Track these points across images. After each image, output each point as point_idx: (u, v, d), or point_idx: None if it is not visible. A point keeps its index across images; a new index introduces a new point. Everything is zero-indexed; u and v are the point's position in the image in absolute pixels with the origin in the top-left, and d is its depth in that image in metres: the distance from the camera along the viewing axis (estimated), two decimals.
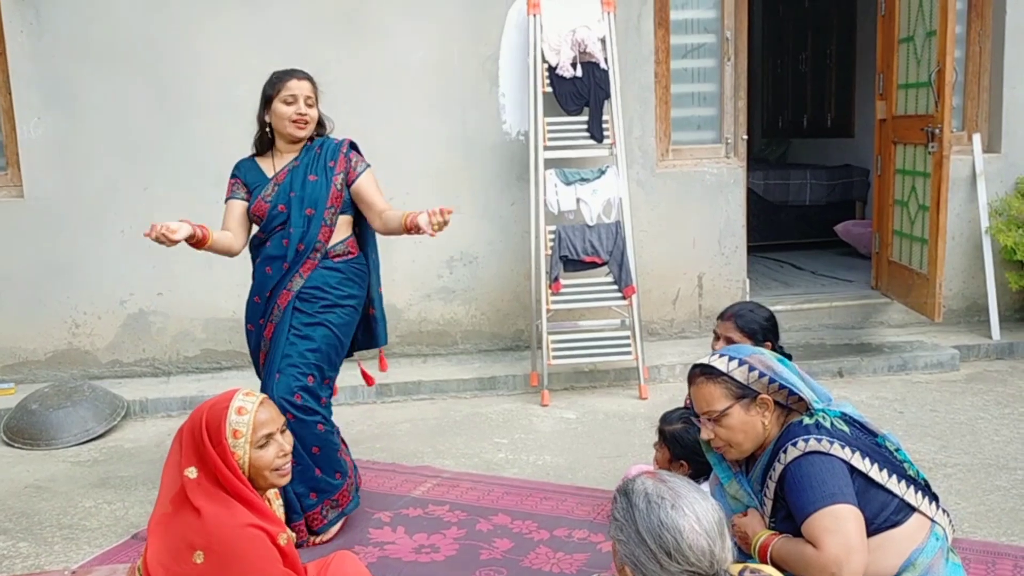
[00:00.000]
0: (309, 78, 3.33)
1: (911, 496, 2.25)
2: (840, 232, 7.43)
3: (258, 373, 3.40)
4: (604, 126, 4.97)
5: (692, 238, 5.55)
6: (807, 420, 2.27)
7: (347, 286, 3.32)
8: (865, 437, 2.29)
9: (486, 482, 3.74)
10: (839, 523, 2.10)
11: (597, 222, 4.89)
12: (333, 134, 3.45)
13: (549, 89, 4.94)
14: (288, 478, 2.28)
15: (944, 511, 2.33)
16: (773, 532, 2.27)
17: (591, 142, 4.98)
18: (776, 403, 2.32)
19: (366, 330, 3.58)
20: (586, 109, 4.97)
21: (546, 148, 4.94)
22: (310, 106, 3.30)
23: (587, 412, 4.65)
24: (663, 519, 1.66)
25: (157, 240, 3.08)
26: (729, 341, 3.12)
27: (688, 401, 3.44)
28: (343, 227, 3.36)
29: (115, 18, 5.07)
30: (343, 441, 3.44)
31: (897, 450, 2.34)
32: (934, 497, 2.32)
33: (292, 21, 5.14)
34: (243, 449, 2.16)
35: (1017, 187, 5.64)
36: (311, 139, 3.38)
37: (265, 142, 3.38)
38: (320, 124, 3.39)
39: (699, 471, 2.94)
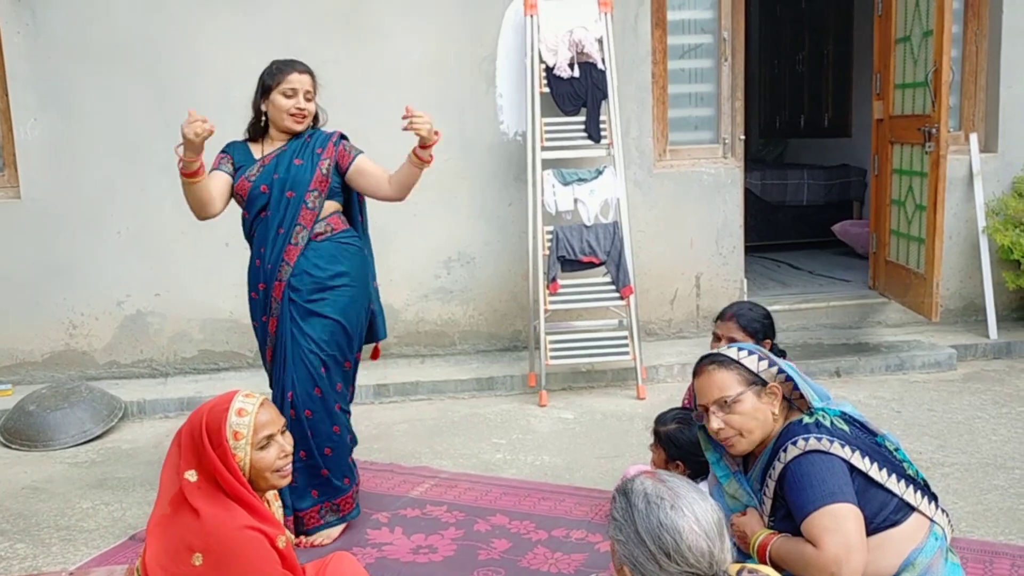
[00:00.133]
0: (310, 71, 3.30)
1: (910, 496, 2.25)
2: (837, 232, 7.44)
3: (266, 367, 3.37)
4: (601, 126, 4.97)
5: (690, 238, 5.55)
6: (807, 419, 2.27)
7: (335, 264, 3.23)
8: (865, 436, 2.30)
9: (484, 482, 3.74)
10: (839, 522, 2.10)
11: (595, 222, 4.89)
12: (326, 127, 3.44)
13: (546, 89, 4.95)
14: (289, 479, 2.28)
15: (943, 511, 2.34)
16: (772, 531, 2.27)
17: (588, 142, 4.98)
18: (782, 397, 2.33)
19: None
20: (583, 109, 4.97)
21: (543, 148, 4.94)
22: (309, 100, 3.28)
23: (585, 412, 4.65)
24: (662, 519, 1.66)
25: (191, 129, 3.00)
26: (731, 341, 3.12)
27: (686, 401, 3.46)
28: (327, 209, 3.29)
29: (112, 19, 5.07)
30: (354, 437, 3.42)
31: (896, 449, 2.35)
32: (933, 497, 2.32)
33: (290, 22, 5.14)
34: (244, 451, 2.15)
35: (1014, 186, 5.65)
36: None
37: (258, 129, 3.35)
38: (315, 117, 3.38)
39: (696, 472, 2.94)
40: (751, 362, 2.34)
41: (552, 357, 4.85)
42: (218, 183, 3.25)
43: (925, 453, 3.85)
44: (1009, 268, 5.53)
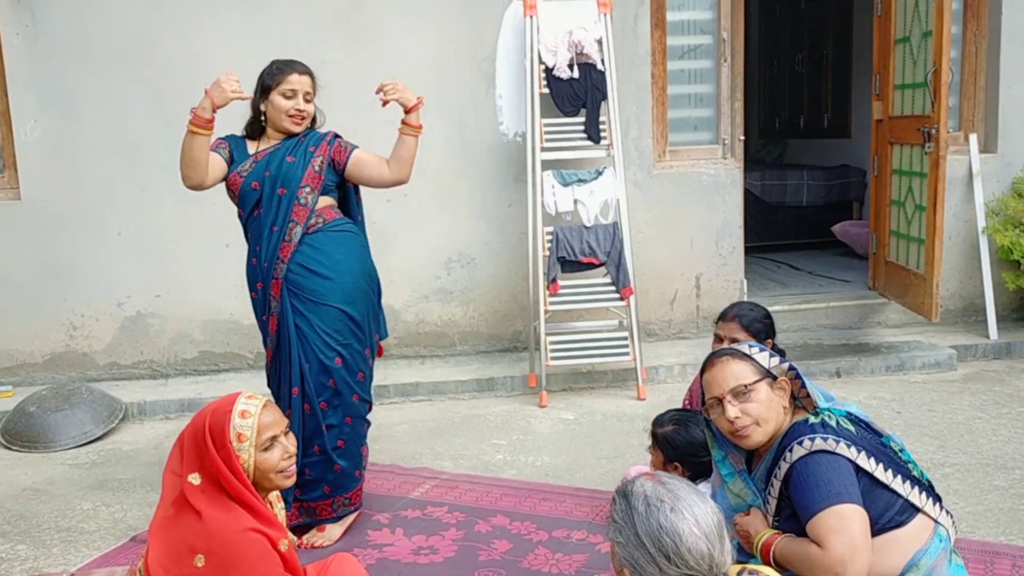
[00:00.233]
0: (309, 72, 3.30)
1: (915, 497, 2.24)
2: (837, 232, 7.44)
3: (266, 367, 3.37)
4: (601, 127, 4.97)
5: (689, 239, 5.56)
6: (813, 419, 2.27)
7: (331, 253, 3.22)
8: (871, 437, 2.29)
9: (484, 483, 3.74)
10: (844, 523, 2.09)
11: (594, 223, 4.90)
12: (324, 128, 3.44)
13: (546, 90, 4.95)
14: (293, 479, 2.28)
15: (947, 512, 2.33)
16: (775, 531, 2.27)
17: (588, 143, 4.98)
18: (790, 394, 2.33)
19: None
20: (583, 110, 4.97)
21: (543, 149, 4.94)
22: (308, 101, 3.28)
23: (585, 413, 4.65)
24: (662, 522, 1.66)
25: (228, 86, 3.10)
26: (733, 342, 3.13)
27: (686, 402, 3.46)
28: (320, 204, 3.27)
29: (112, 19, 5.07)
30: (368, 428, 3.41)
31: (901, 450, 2.34)
32: (938, 498, 2.32)
33: (290, 22, 5.14)
34: (248, 452, 2.16)
35: (1014, 187, 5.66)
36: None
37: (256, 128, 3.35)
38: (313, 119, 3.38)
39: (695, 473, 2.94)
40: (762, 358, 2.36)
41: (552, 358, 4.85)
42: (213, 162, 3.24)
43: (925, 454, 3.85)
44: (1009, 268, 5.53)
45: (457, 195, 5.37)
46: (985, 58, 5.71)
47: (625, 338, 4.94)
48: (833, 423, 2.25)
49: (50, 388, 4.83)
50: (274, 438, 2.21)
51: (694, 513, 1.67)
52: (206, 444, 2.13)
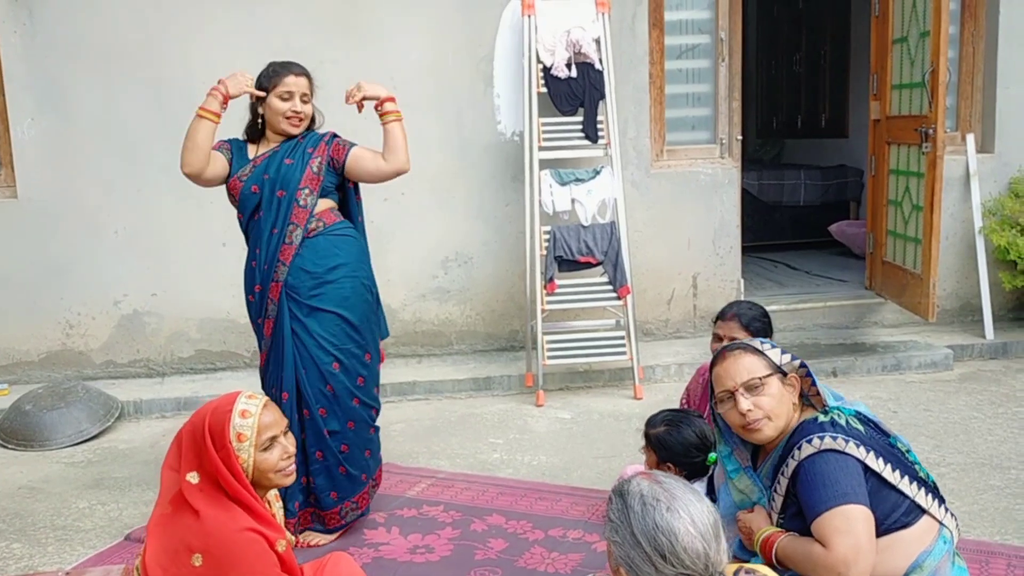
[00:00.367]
0: (306, 73, 3.29)
1: (921, 498, 2.24)
2: (834, 232, 7.45)
3: (260, 371, 3.37)
4: (599, 127, 4.97)
5: (687, 238, 5.56)
6: (822, 418, 2.26)
7: (330, 257, 3.21)
8: (879, 437, 2.28)
9: (481, 482, 3.74)
10: (850, 524, 2.09)
11: (592, 222, 4.90)
12: (322, 128, 3.43)
13: (544, 90, 4.95)
14: (292, 478, 2.28)
15: (951, 514, 2.33)
16: (778, 529, 2.26)
17: (586, 142, 4.98)
18: (799, 392, 2.33)
19: None
20: (581, 110, 4.97)
21: (541, 148, 4.94)
22: (305, 102, 3.27)
23: (582, 412, 4.65)
24: (658, 521, 1.66)
25: (244, 79, 3.21)
26: (732, 341, 3.12)
27: (684, 401, 3.46)
28: (319, 207, 3.26)
29: (109, 19, 5.06)
30: (378, 433, 3.39)
31: (908, 451, 2.33)
32: (942, 500, 2.31)
33: (288, 22, 5.14)
34: (248, 452, 2.15)
35: (1010, 187, 5.66)
36: None
37: (255, 131, 3.34)
38: (312, 119, 3.37)
39: (690, 473, 2.94)
40: (774, 354, 2.36)
41: (549, 357, 4.85)
42: (215, 159, 3.24)
43: (922, 453, 3.85)
44: (1005, 268, 5.54)
45: (455, 194, 5.37)
46: (982, 58, 5.72)
47: (622, 337, 4.95)
48: (843, 422, 2.24)
49: (46, 386, 4.83)
50: (274, 438, 2.21)
51: (690, 512, 1.67)
52: (205, 443, 2.13)
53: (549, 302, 4.87)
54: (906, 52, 5.29)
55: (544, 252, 4.86)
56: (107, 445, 4.46)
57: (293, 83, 3.24)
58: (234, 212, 3.38)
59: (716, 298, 5.49)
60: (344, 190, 3.39)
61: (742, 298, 5.51)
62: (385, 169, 3.29)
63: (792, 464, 2.22)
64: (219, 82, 3.20)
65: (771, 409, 2.28)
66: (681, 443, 2.95)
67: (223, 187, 3.33)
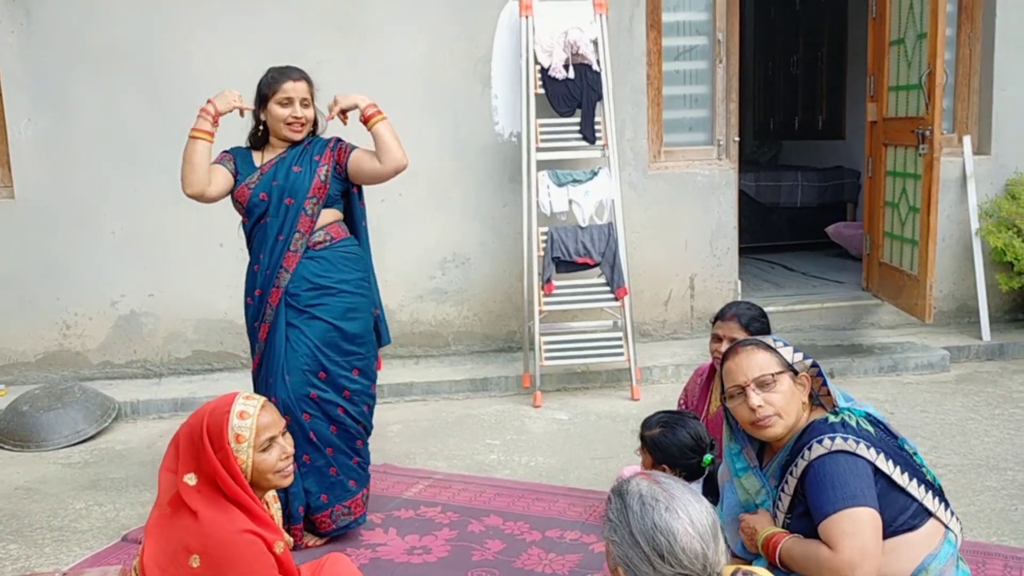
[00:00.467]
0: (305, 77, 3.29)
1: (929, 501, 2.23)
2: (831, 234, 7.46)
3: (252, 373, 3.37)
4: (596, 128, 4.98)
5: (684, 239, 5.56)
6: (832, 418, 2.25)
7: (335, 272, 3.23)
8: (888, 439, 2.28)
9: (478, 483, 3.74)
10: (858, 527, 2.09)
11: (589, 223, 4.90)
12: (325, 133, 3.44)
13: (541, 90, 4.95)
14: (290, 479, 2.27)
15: (956, 517, 2.32)
16: (782, 530, 2.26)
17: (583, 143, 4.99)
18: (809, 391, 2.32)
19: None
20: (578, 111, 4.98)
21: (538, 149, 4.94)
22: (306, 107, 3.27)
23: (579, 413, 4.65)
24: (657, 521, 1.66)
25: (232, 96, 3.23)
26: (733, 341, 3.12)
27: (681, 403, 3.47)
28: (326, 218, 3.28)
29: (107, 19, 5.06)
30: (367, 447, 3.38)
31: (914, 454, 2.33)
32: (947, 503, 2.31)
33: (285, 22, 5.13)
34: (246, 453, 2.15)
35: (1007, 189, 5.67)
36: None
37: (259, 138, 3.35)
38: (315, 123, 3.37)
39: (684, 475, 2.94)
40: (786, 351, 2.35)
41: (547, 358, 4.86)
42: (216, 174, 3.25)
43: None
44: (1002, 270, 5.55)
45: (452, 195, 5.37)
46: (979, 60, 5.73)
47: (619, 338, 4.95)
48: (853, 423, 2.23)
49: (43, 387, 4.82)
50: (272, 439, 2.21)
51: (689, 512, 1.67)
52: (203, 445, 2.12)
53: (546, 303, 4.87)
54: (903, 54, 5.29)
55: (542, 253, 4.86)
56: (104, 446, 4.46)
57: (292, 88, 3.24)
58: (231, 213, 3.38)
59: (713, 299, 5.49)
60: (348, 197, 3.40)
61: (739, 299, 5.52)
62: (382, 170, 3.30)
63: (802, 464, 2.21)
64: (208, 102, 3.21)
65: (781, 407, 2.27)
66: (676, 445, 2.95)
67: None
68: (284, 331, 3.18)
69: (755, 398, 2.28)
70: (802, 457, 2.22)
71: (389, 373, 5.05)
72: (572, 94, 4.96)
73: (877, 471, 2.18)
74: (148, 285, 5.25)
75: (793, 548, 2.19)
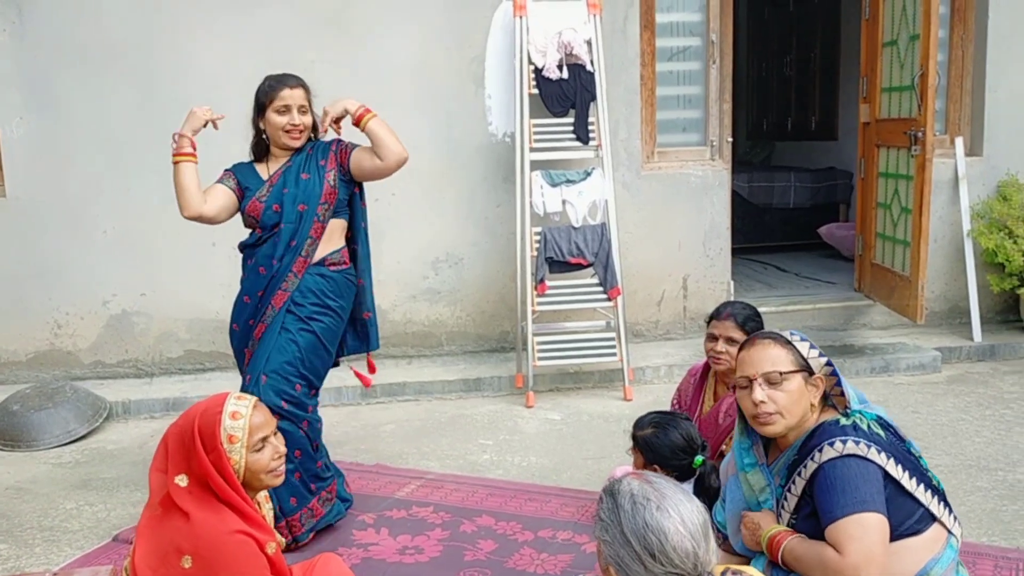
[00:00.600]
0: (302, 84, 3.30)
1: (935, 506, 2.23)
2: (823, 234, 7.47)
3: (242, 372, 3.36)
4: (590, 128, 4.98)
5: (677, 240, 5.57)
6: (844, 421, 2.24)
7: (338, 296, 3.32)
8: (898, 443, 2.27)
9: (470, 483, 3.74)
10: (866, 532, 2.08)
11: (583, 224, 4.90)
12: (327, 136, 3.44)
13: (535, 91, 4.95)
14: (282, 478, 2.28)
15: (958, 522, 2.32)
16: (787, 529, 2.25)
17: (577, 144, 4.99)
18: (822, 392, 2.30)
19: (360, 334, 3.54)
20: (572, 111, 4.98)
21: (532, 150, 4.94)
22: (303, 113, 3.28)
23: (572, 413, 4.65)
24: (648, 520, 1.66)
25: (197, 113, 3.25)
26: (730, 341, 3.14)
27: (675, 403, 3.47)
28: (337, 233, 3.34)
29: (99, 18, 5.04)
30: (325, 451, 3.42)
31: (919, 458, 2.32)
32: (951, 507, 2.31)
33: (277, 22, 5.12)
34: (239, 454, 2.15)
35: (999, 190, 5.69)
36: None
37: (261, 147, 3.37)
38: (314, 127, 3.38)
39: (676, 476, 2.94)
40: (803, 348, 2.32)
41: (539, 358, 4.86)
42: (216, 193, 3.28)
43: None
44: (993, 271, 5.57)
45: (445, 195, 5.37)
46: (971, 62, 5.75)
47: (612, 339, 4.95)
48: (864, 426, 2.22)
49: (34, 386, 4.81)
50: (265, 439, 2.21)
51: (680, 512, 1.67)
52: (195, 446, 2.11)
53: (539, 303, 4.87)
54: (896, 55, 5.31)
55: (535, 253, 4.86)
56: (95, 446, 4.44)
57: (288, 96, 3.25)
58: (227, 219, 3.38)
59: (706, 300, 5.50)
60: (352, 204, 3.42)
61: (733, 299, 5.53)
62: (383, 165, 3.32)
63: (811, 466, 2.20)
64: (181, 128, 3.24)
65: (785, 406, 2.26)
66: (668, 446, 2.95)
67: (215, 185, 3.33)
68: (277, 334, 3.20)
69: (759, 393, 2.27)
70: (812, 459, 2.21)
71: (382, 373, 5.04)
72: (566, 94, 4.96)
73: (887, 476, 2.17)
74: (140, 285, 5.24)
75: (797, 548, 2.18)
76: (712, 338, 3.22)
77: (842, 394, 2.31)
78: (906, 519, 2.20)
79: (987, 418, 4.36)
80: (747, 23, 9.55)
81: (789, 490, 2.28)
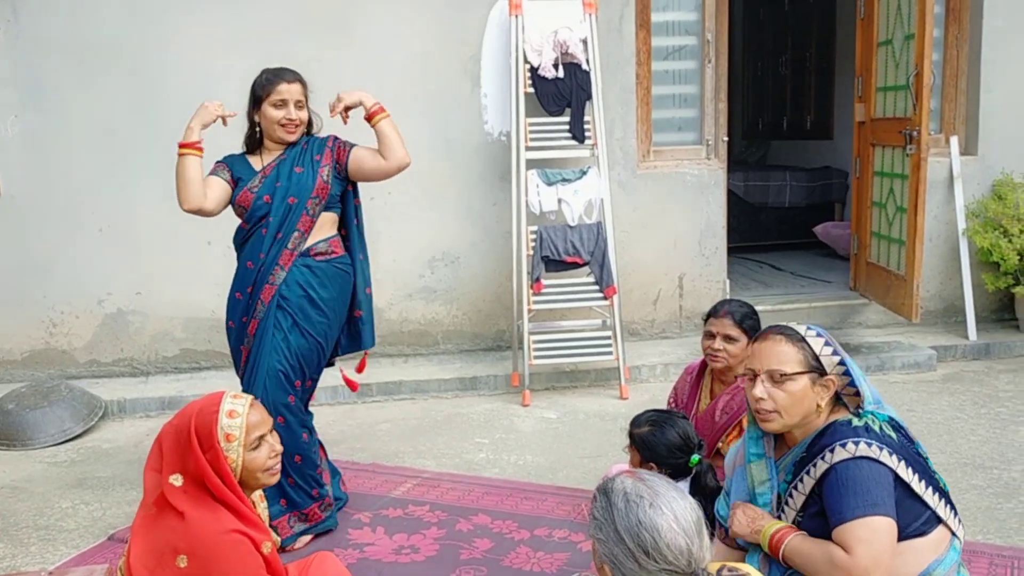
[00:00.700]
0: (300, 79, 3.30)
1: (941, 509, 2.24)
2: (819, 233, 7.48)
3: (238, 371, 3.36)
4: (586, 127, 4.98)
5: (673, 239, 5.57)
6: (856, 421, 2.22)
7: (327, 288, 3.28)
8: (908, 445, 2.27)
9: (466, 482, 3.74)
10: (875, 535, 2.08)
11: (578, 222, 4.90)
12: (322, 132, 3.43)
13: (531, 90, 4.95)
14: (278, 477, 2.27)
15: (961, 523, 2.32)
16: (788, 526, 2.24)
17: (573, 143, 4.99)
18: (834, 392, 2.27)
19: (352, 333, 3.51)
20: (568, 110, 4.98)
21: (528, 148, 4.94)
22: (300, 108, 3.28)
23: (568, 412, 4.66)
24: (641, 518, 1.66)
25: (209, 107, 3.24)
26: (727, 338, 3.15)
27: (671, 402, 3.47)
28: (327, 225, 3.31)
29: (94, 16, 5.03)
30: (324, 453, 3.42)
31: (926, 459, 2.32)
32: (955, 509, 2.31)
33: (272, 20, 5.12)
34: (236, 452, 2.15)
35: (994, 189, 5.70)
36: None
37: (255, 140, 3.35)
38: (309, 123, 3.37)
39: (672, 473, 2.95)
40: (817, 345, 2.27)
41: (535, 357, 4.86)
42: (212, 185, 3.26)
43: None
44: (989, 270, 5.58)
45: (442, 194, 5.36)
46: (966, 61, 5.75)
47: (608, 337, 4.96)
48: (876, 428, 2.21)
49: (29, 385, 4.80)
50: (262, 437, 2.21)
51: (673, 509, 1.67)
52: (191, 445, 2.11)
53: (536, 302, 4.88)
54: (891, 55, 5.32)
55: (531, 252, 4.87)
56: (90, 444, 4.44)
57: (286, 90, 3.24)
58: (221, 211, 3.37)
59: (702, 299, 5.51)
60: (345, 200, 3.41)
61: (729, 298, 5.53)
62: (385, 166, 3.33)
63: (822, 466, 2.19)
64: (190, 120, 3.23)
65: (784, 406, 2.24)
66: (665, 444, 2.95)
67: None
68: (272, 332, 3.19)
69: (759, 389, 2.26)
70: (822, 459, 2.19)
71: (378, 372, 5.05)
72: (561, 93, 4.96)
73: (897, 478, 2.17)
74: (135, 283, 5.23)
75: (802, 546, 2.17)
76: (709, 335, 3.22)
77: (856, 393, 2.28)
78: (913, 521, 2.20)
79: (982, 416, 4.37)
80: (743, 22, 9.56)
81: (796, 487, 2.26)
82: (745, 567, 1.87)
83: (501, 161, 5.32)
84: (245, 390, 3.22)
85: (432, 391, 4.99)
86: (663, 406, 3.45)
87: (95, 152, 5.12)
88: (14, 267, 5.14)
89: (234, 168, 3.31)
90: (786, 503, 2.29)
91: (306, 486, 3.23)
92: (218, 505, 2.11)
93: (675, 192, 5.55)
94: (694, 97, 5.72)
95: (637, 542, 1.65)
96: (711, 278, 5.65)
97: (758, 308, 3.33)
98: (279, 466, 2.26)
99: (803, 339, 2.28)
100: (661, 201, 5.53)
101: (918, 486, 2.21)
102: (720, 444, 3.21)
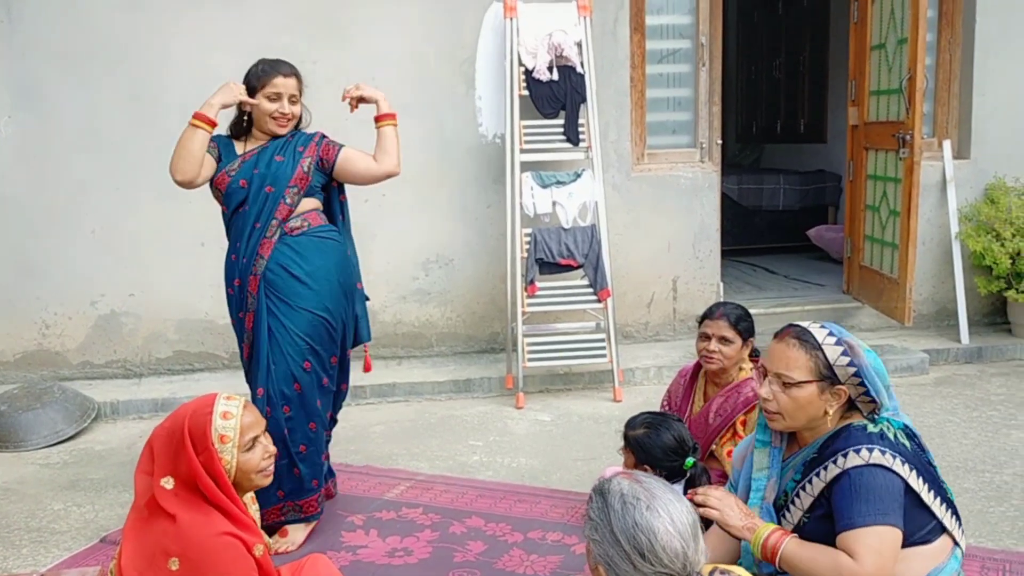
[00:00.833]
0: (296, 73, 3.28)
1: (947, 519, 2.25)
2: (812, 237, 7.50)
3: (244, 365, 3.34)
4: (580, 129, 4.99)
5: (667, 242, 5.58)
6: (871, 428, 2.22)
7: (309, 260, 3.20)
8: (921, 454, 2.27)
9: (460, 484, 3.74)
10: (883, 544, 2.09)
11: (573, 225, 4.91)
12: (310, 128, 3.43)
13: (525, 92, 4.96)
14: (271, 478, 2.27)
15: (963, 532, 2.33)
16: (782, 529, 2.24)
17: (567, 145, 5.00)
18: (846, 400, 2.27)
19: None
20: (562, 112, 4.98)
21: (522, 151, 4.95)
22: (294, 103, 3.26)
23: (562, 415, 4.66)
24: (637, 520, 1.67)
25: (233, 89, 3.20)
26: (723, 340, 3.16)
27: (665, 404, 3.48)
28: (305, 206, 3.26)
29: (88, 17, 5.02)
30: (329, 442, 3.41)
31: (935, 468, 2.33)
32: (959, 519, 2.32)
33: (267, 21, 5.11)
34: (231, 454, 2.14)
35: (986, 193, 5.72)
36: None
37: (241, 128, 3.33)
38: (299, 118, 3.36)
39: (668, 475, 2.95)
40: (833, 354, 2.24)
41: (529, 359, 4.86)
42: (204, 162, 3.22)
43: None
44: (981, 274, 5.60)
45: (436, 196, 5.36)
46: (959, 65, 5.78)
47: (602, 340, 4.96)
48: (891, 436, 2.21)
49: (21, 387, 4.78)
50: (255, 438, 2.21)
51: (669, 512, 1.68)
52: (184, 448, 2.10)
53: (530, 304, 4.88)
54: (884, 58, 5.34)
55: (525, 254, 4.87)
56: (83, 446, 4.42)
57: (282, 84, 3.23)
58: (213, 212, 3.37)
59: (696, 301, 5.52)
60: (328, 190, 3.39)
61: (724, 300, 5.54)
62: (375, 171, 3.31)
63: (834, 469, 2.19)
64: (212, 96, 3.19)
65: (787, 410, 2.25)
66: (660, 446, 2.96)
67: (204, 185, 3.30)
68: (266, 320, 3.16)
69: (765, 389, 2.29)
70: (834, 462, 2.19)
71: (371, 374, 5.02)
72: (556, 96, 4.96)
73: (907, 488, 2.18)
74: (128, 285, 5.22)
75: (803, 550, 2.17)
76: (705, 337, 3.23)
77: (872, 400, 2.26)
78: (918, 530, 2.20)
79: (974, 420, 4.38)
80: (737, 26, 9.59)
81: (804, 488, 2.26)
82: (738, 569, 1.87)
83: (495, 163, 5.32)
84: (251, 384, 3.21)
85: (426, 393, 4.99)
86: (657, 409, 3.46)
87: (88, 153, 5.10)
88: (6, 268, 5.12)
89: (220, 148, 3.29)
90: (792, 502, 2.29)
91: (310, 477, 3.21)
92: (210, 508, 2.10)
93: (669, 195, 5.56)
94: (688, 100, 5.73)
95: (633, 544, 1.65)
96: (705, 281, 5.66)
97: (751, 311, 3.34)
98: (272, 467, 2.27)
99: (819, 346, 2.25)
100: (655, 204, 5.54)
101: (927, 496, 2.21)
102: (714, 446, 3.22)
